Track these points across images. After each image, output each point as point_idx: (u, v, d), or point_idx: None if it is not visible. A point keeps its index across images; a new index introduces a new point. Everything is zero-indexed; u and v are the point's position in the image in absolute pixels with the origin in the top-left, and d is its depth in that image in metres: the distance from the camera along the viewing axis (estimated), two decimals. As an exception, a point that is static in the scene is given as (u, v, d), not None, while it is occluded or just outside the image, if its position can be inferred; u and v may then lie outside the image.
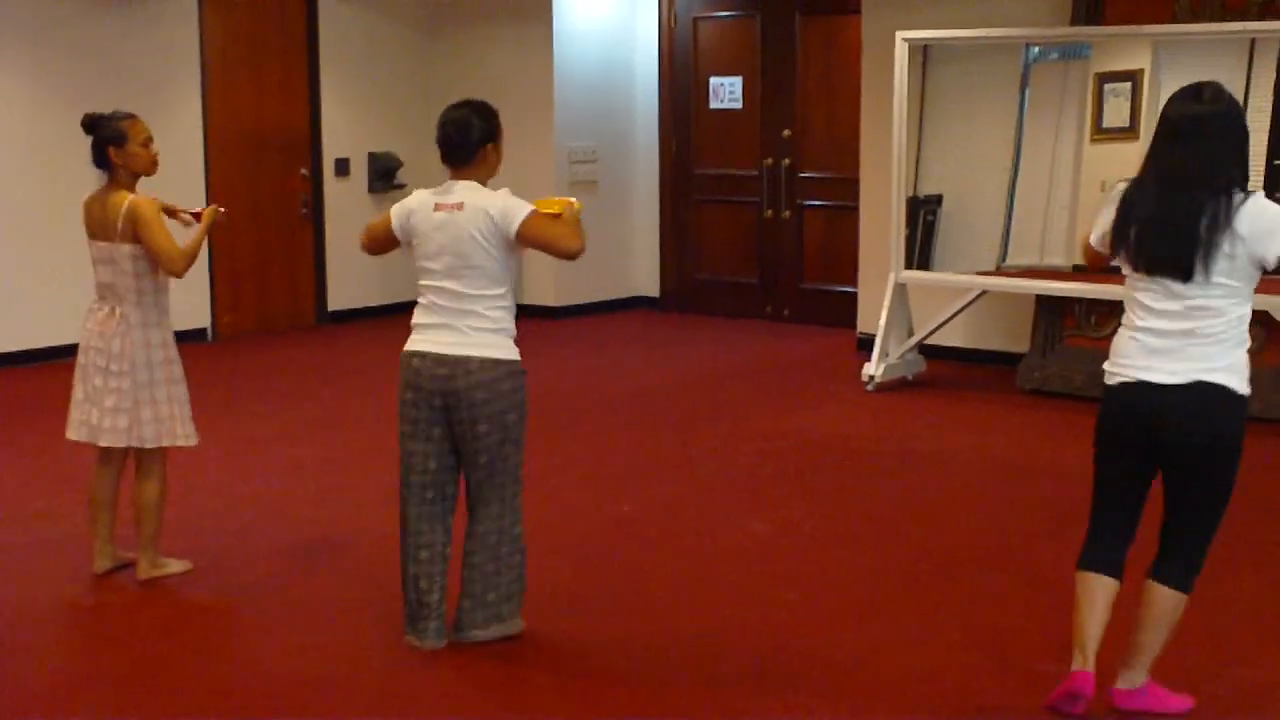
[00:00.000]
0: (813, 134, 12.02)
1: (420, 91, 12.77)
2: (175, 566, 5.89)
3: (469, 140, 5.03)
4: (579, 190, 12.45)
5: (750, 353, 11.04)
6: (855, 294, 11.05)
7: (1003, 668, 5.04)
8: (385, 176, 12.40)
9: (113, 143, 5.66)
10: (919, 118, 9.75)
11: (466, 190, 4.98)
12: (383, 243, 5.30)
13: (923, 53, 9.69)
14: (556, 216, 5.01)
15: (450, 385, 4.94)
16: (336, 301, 12.18)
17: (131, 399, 5.66)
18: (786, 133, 12.12)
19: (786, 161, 12.11)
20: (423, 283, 5.09)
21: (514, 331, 5.04)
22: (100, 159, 5.70)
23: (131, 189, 5.71)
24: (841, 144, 11.53)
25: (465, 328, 4.96)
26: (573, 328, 12.01)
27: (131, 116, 5.75)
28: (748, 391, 9.62)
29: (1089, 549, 4.63)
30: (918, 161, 9.79)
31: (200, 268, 10.74)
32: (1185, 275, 4.21)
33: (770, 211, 12.26)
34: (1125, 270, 4.44)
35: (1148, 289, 4.32)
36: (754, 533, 6.59)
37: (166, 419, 5.73)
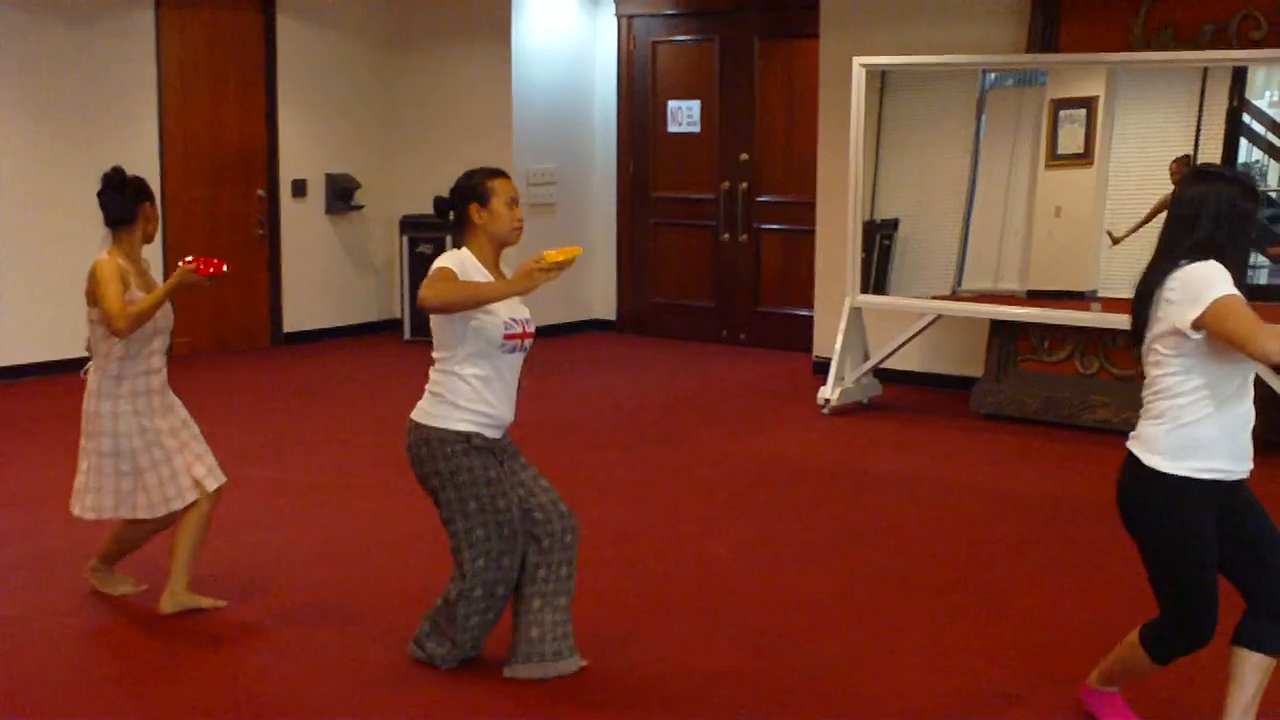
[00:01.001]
0: (770, 158, 12.06)
1: (379, 112, 12.77)
2: (205, 601, 5.77)
3: (450, 201, 5.14)
4: (537, 213, 12.45)
5: (706, 376, 11.05)
6: (811, 317, 11.09)
7: (963, 688, 5.06)
8: (343, 197, 12.37)
9: (149, 200, 5.62)
10: (876, 142, 9.80)
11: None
12: None
13: (880, 78, 9.75)
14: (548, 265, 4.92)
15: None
16: (292, 323, 12.12)
17: (108, 472, 5.55)
18: (744, 156, 12.16)
19: (744, 185, 12.14)
20: None
21: (459, 404, 4.95)
22: (129, 216, 5.56)
23: (135, 250, 5.62)
24: (799, 168, 11.58)
25: (426, 389, 5.07)
26: (530, 350, 11.97)
27: (147, 187, 5.67)
28: (704, 414, 9.63)
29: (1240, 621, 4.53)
30: (874, 186, 9.84)
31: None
32: (1137, 341, 4.31)
33: (727, 235, 12.29)
34: None
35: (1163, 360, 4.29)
36: (711, 554, 6.59)
37: (81, 489, 5.61)
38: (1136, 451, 4.30)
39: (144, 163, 10.90)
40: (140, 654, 5.41)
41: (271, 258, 11.98)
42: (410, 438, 4.98)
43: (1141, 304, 4.26)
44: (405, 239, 12.33)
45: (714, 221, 12.36)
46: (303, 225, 12.16)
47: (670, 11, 12.52)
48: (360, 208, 12.50)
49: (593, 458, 8.42)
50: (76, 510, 5.65)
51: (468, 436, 4.92)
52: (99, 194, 5.59)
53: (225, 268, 5.59)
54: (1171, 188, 8.65)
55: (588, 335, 12.85)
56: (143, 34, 11.07)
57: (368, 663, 5.26)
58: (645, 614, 5.82)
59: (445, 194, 5.20)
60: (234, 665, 5.27)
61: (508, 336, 4.99)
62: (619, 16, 12.74)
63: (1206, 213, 4.17)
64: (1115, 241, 8.96)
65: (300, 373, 11.04)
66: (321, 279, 12.23)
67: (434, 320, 4.99)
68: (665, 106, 12.61)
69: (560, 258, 4.83)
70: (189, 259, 5.56)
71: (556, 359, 11.66)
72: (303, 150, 12.18)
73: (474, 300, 4.86)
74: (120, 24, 10.92)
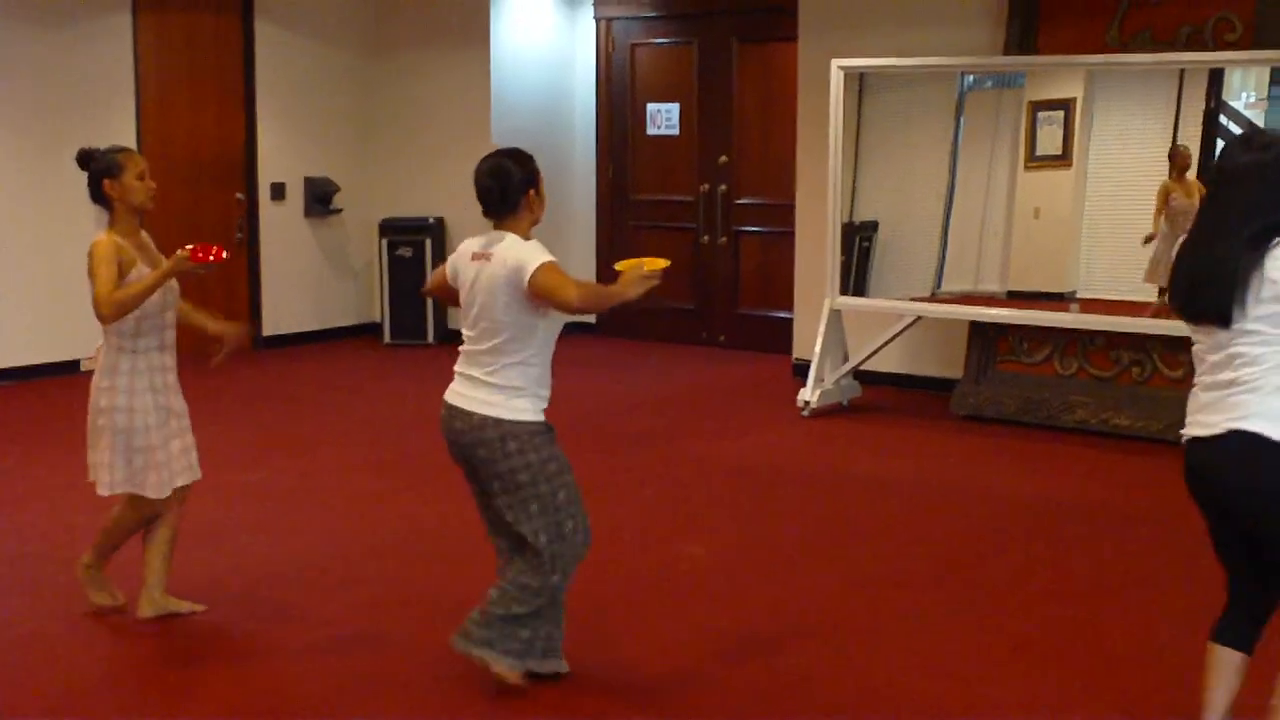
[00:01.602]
0: (749, 160, 12.07)
1: (358, 116, 12.75)
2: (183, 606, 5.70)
3: (506, 189, 4.94)
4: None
5: (686, 378, 11.06)
6: (791, 320, 11.10)
7: (944, 688, 5.06)
8: (322, 201, 12.35)
9: (107, 175, 5.44)
10: (855, 144, 9.82)
11: (500, 240, 4.88)
12: (443, 289, 5.13)
13: (859, 80, 9.76)
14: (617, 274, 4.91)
15: (460, 439, 4.86)
16: (272, 326, 12.10)
17: (121, 448, 5.47)
18: (723, 159, 12.17)
19: (723, 187, 12.16)
20: (462, 330, 4.99)
21: (536, 393, 4.84)
22: (96, 193, 5.47)
23: (131, 226, 5.51)
24: (778, 170, 11.59)
25: (482, 382, 4.83)
26: (509, 353, 11.98)
27: (126, 149, 5.59)
28: (683, 416, 9.63)
29: (1218, 619, 4.47)
30: (854, 188, 9.85)
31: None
32: (1224, 322, 4.07)
33: (707, 237, 12.30)
34: (1184, 323, 4.27)
35: (1199, 341, 4.19)
36: (691, 556, 6.59)
37: (95, 464, 5.51)
38: (1262, 430, 4.05)
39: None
40: (124, 657, 5.40)
41: (250, 261, 11.96)
42: (484, 434, 4.77)
43: (1219, 286, 4.04)
44: (384, 242, 12.32)
45: (693, 224, 12.36)
46: (282, 229, 12.14)
47: (649, 14, 12.53)
48: (339, 211, 12.48)
49: (572, 459, 8.37)
50: (99, 489, 5.51)
51: (548, 426, 4.88)
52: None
53: (225, 254, 5.49)
54: (1162, 179, 8.80)
55: (568, 337, 12.66)
56: (119, 37, 11.03)
57: (354, 664, 5.25)
58: (623, 616, 5.82)
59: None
60: (220, 671, 5.25)
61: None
62: (598, 19, 12.74)
63: (1275, 185, 4.05)
64: (1147, 241, 8.91)
65: (280, 376, 11.02)
66: (300, 282, 12.21)
67: (503, 319, 4.79)
68: (644, 109, 12.61)
69: (657, 267, 4.90)
70: (188, 246, 5.42)
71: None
72: (281, 154, 12.16)
73: (604, 304, 5.07)
74: (97, 27, 10.88)
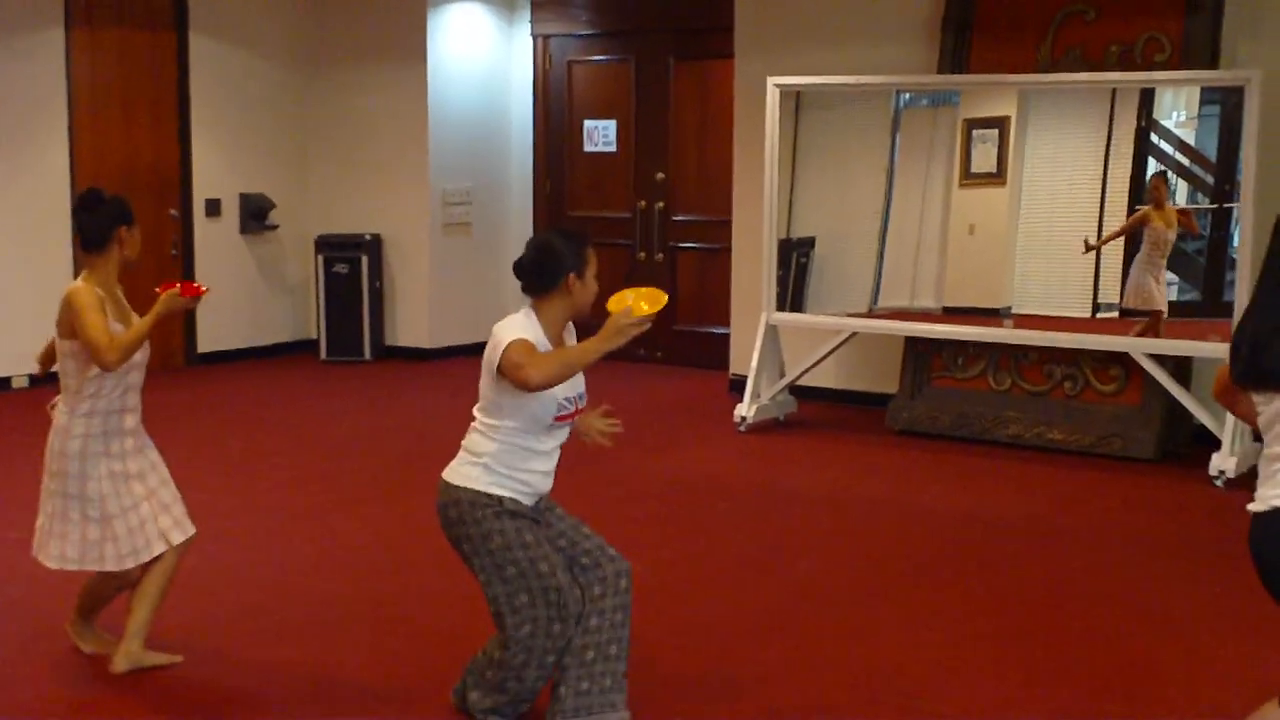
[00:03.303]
0: (686, 177, 12.11)
1: (294, 132, 12.70)
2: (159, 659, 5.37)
3: (543, 267, 4.70)
4: (453, 232, 12.44)
5: (623, 394, 11.03)
6: (728, 335, 11.13)
7: (880, 700, 5.08)
8: (257, 217, 12.28)
9: (125, 222, 5.18)
10: (792, 161, 9.87)
11: (507, 319, 4.70)
12: None
13: (795, 98, 9.81)
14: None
15: None
16: (207, 343, 12.02)
17: (75, 518, 5.15)
18: (660, 176, 12.20)
19: (660, 204, 12.18)
20: None
21: (493, 467, 4.60)
22: (101, 236, 5.14)
23: (113, 276, 5.23)
24: (714, 187, 11.63)
25: (461, 447, 4.73)
26: (445, 369, 11.97)
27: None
28: (620, 433, 9.61)
29: None
30: (790, 204, 9.90)
31: (49, 302, 10.36)
32: (1260, 386, 3.74)
33: (643, 254, 12.32)
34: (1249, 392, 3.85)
35: (1261, 410, 3.81)
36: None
37: (46, 532, 5.19)
38: None
39: (54, 183, 10.78)
40: (93, 689, 5.35)
41: (185, 278, 11.87)
42: (441, 498, 4.65)
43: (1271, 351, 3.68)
44: (320, 259, 12.27)
45: (630, 240, 12.38)
46: (217, 245, 12.06)
47: (586, 32, 12.56)
48: (275, 228, 12.42)
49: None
50: (41, 558, 5.20)
51: (500, 500, 4.59)
52: (73, 214, 5.27)
53: (205, 289, 5.38)
54: (1095, 196, 8.91)
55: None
56: (52, 53, 10.93)
57: (288, 678, 5.22)
58: (563, 632, 5.81)
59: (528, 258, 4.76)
60: (154, 681, 5.21)
61: (558, 418, 4.72)
62: (535, 36, 12.75)
63: None
64: (1089, 249, 9.01)
65: (216, 393, 10.94)
66: (236, 299, 12.13)
67: (485, 389, 4.71)
68: (581, 126, 12.63)
69: (649, 309, 4.55)
70: (170, 284, 5.25)
71: (474, 377, 11.59)
72: (216, 170, 12.09)
73: (574, 372, 4.61)
74: (28, 43, 10.78)
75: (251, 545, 6.99)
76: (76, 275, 5.29)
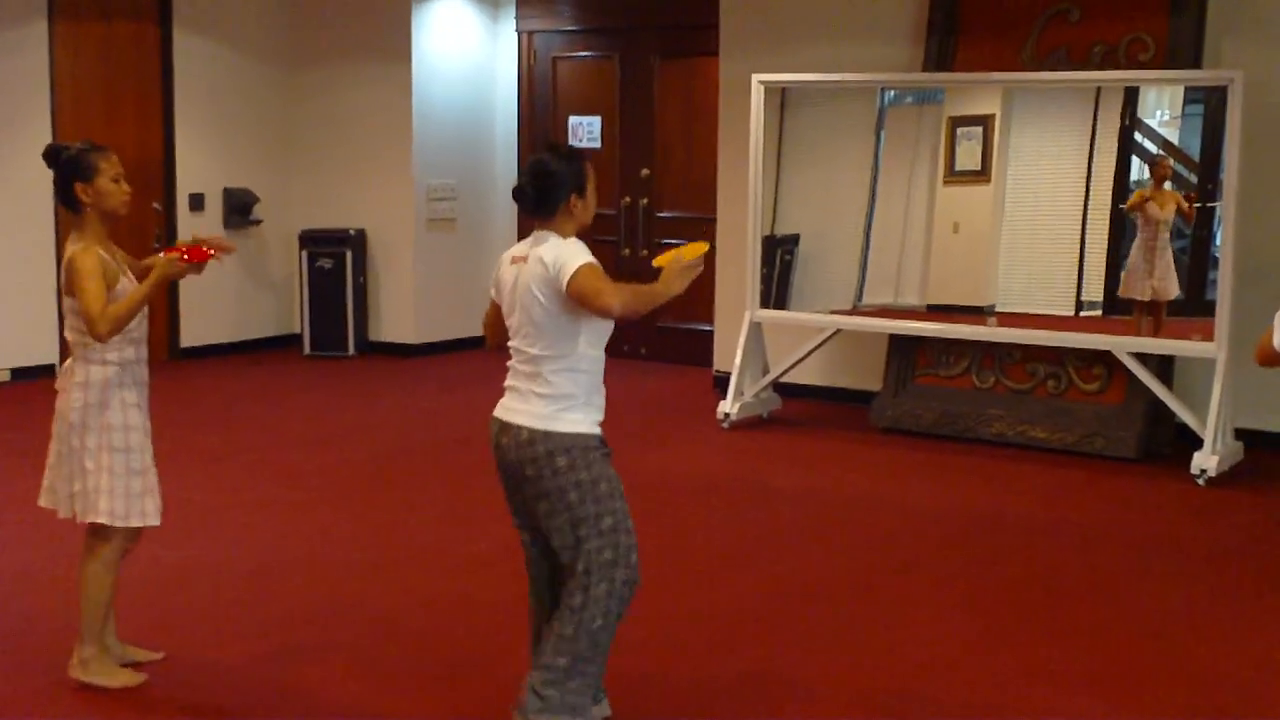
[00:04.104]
0: (671, 174, 12.11)
1: (278, 127, 12.68)
2: (113, 679, 5.14)
3: (543, 190, 4.51)
4: (437, 228, 12.43)
5: (607, 391, 11.04)
6: (712, 332, 11.13)
7: (865, 698, 5.09)
8: (241, 212, 12.26)
9: (80, 177, 5.02)
10: (777, 159, 9.87)
11: (542, 241, 4.49)
12: (495, 320, 4.72)
13: (780, 95, 9.82)
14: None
15: (506, 456, 4.54)
16: (189, 338, 12.00)
17: (67, 465, 5.02)
18: (645, 172, 12.20)
19: (644, 201, 12.18)
20: (509, 342, 4.62)
21: (589, 401, 4.51)
22: (66, 195, 5.05)
23: (100, 233, 5.08)
24: (699, 184, 11.63)
25: (528, 392, 4.48)
26: (431, 365, 11.96)
27: (101, 149, 5.13)
28: (604, 429, 9.61)
29: None
30: (775, 201, 9.91)
31: (33, 298, 10.53)
32: None
33: (628, 250, 12.31)
34: None
35: None
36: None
37: (92, 491, 4.98)
38: None
39: (38, 179, 10.66)
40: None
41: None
42: (535, 449, 4.43)
43: None
44: (304, 254, 12.25)
45: (615, 237, 12.37)
46: (200, 240, 12.02)
47: (571, 28, 12.54)
48: (259, 222, 12.40)
49: (493, 474, 8.38)
50: (91, 517, 5.00)
51: (603, 439, 4.54)
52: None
53: (212, 252, 5.06)
54: (1080, 194, 8.90)
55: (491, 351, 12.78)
56: (35, 47, 10.90)
57: (270, 675, 5.22)
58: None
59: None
60: (149, 678, 5.20)
61: None
62: (519, 33, 12.74)
63: None
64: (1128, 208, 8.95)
65: (199, 388, 10.92)
66: (219, 293, 12.09)
67: (542, 321, 4.45)
68: (566, 122, 12.61)
69: (696, 253, 4.53)
70: (173, 247, 5.08)
71: (457, 373, 11.62)
72: (200, 164, 12.07)
73: (649, 305, 4.51)
74: (12, 37, 10.75)
75: (233, 540, 6.98)
76: (60, 233, 5.18)
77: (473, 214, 12.79)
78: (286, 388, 11.04)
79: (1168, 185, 8.89)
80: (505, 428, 4.52)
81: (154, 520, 5.09)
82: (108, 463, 4.97)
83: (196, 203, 12.00)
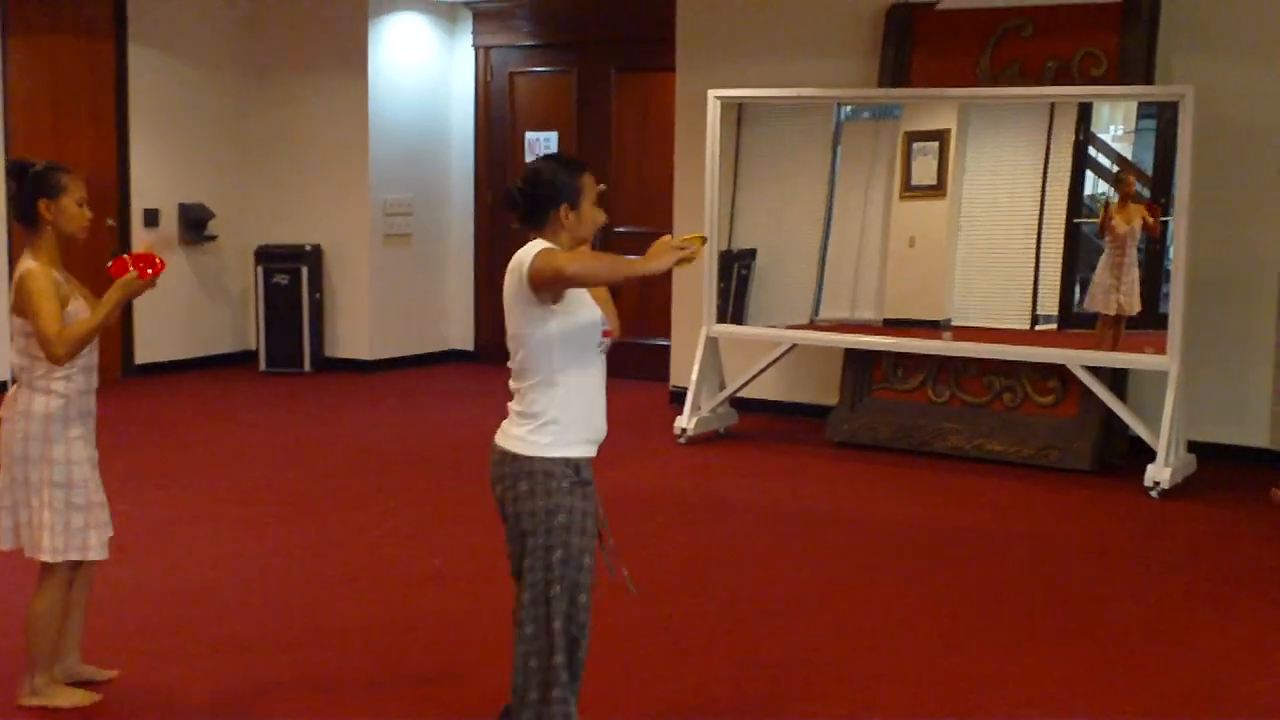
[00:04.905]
0: (627, 189, 12.11)
1: (234, 142, 12.63)
2: (64, 699, 5.05)
3: (532, 198, 4.40)
4: (394, 243, 12.40)
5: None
6: (668, 347, 11.14)
7: (819, 712, 5.09)
8: (196, 228, 12.21)
9: (45, 195, 4.94)
10: (734, 173, 9.89)
11: (523, 250, 4.32)
12: None
13: (737, 110, 9.84)
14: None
15: (490, 476, 4.41)
16: (144, 354, 11.93)
17: (11, 495, 4.90)
18: (601, 187, 12.06)
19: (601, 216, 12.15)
20: None
21: (562, 420, 4.29)
22: (26, 211, 4.95)
23: (55, 255, 5.00)
24: (656, 199, 11.64)
25: (512, 412, 4.35)
26: (386, 381, 11.93)
27: (68, 170, 5.07)
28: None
29: None
30: (732, 216, 9.93)
31: None
32: None
33: (586, 265, 12.29)
34: None
35: None
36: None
37: (36, 527, 4.86)
38: None
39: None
40: None
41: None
42: (502, 469, 4.31)
43: None
44: (260, 269, 12.20)
45: (572, 252, 12.35)
46: (155, 255, 11.96)
47: (527, 43, 12.55)
48: (214, 238, 12.35)
49: (447, 488, 8.38)
50: (36, 555, 4.88)
51: (577, 466, 4.32)
52: (5, 185, 4.93)
53: (159, 261, 5.00)
54: (1035, 208, 8.95)
55: (446, 365, 12.80)
56: (-11, 61, 10.85)
57: (225, 695, 5.19)
58: (495, 646, 5.79)
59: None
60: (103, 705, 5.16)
61: (604, 333, 4.40)
62: (476, 48, 12.74)
63: None
64: (1102, 226, 8.97)
65: (154, 405, 10.86)
66: (174, 310, 12.04)
67: (518, 332, 4.28)
68: (523, 138, 12.62)
69: (693, 237, 4.23)
70: (120, 262, 4.97)
71: (414, 389, 11.60)
72: (155, 179, 12.01)
73: (610, 274, 4.30)
74: (-35, 50, 10.70)
75: (188, 558, 6.94)
76: (12, 251, 5.10)
77: (429, 230, 12.77)
78: (242, 404, 10.99)
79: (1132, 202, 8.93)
80: (492, 446, 4.39)
81: (96, 555, 4.96)
82: (48, 498, 4.85)
83: (151, 218, 11.94)
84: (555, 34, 12.44)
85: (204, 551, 7.07)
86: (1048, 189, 9.12)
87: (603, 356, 4.44)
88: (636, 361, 11.97)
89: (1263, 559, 7.14)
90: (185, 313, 12.21)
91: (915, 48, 9.70)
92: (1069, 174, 9.07)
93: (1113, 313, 8.83)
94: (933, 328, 9.38)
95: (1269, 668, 5.62)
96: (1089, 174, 9.15)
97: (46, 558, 4.87)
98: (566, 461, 4.29)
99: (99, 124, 11.66)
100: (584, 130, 12.30)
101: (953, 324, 9.39)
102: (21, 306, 4.84)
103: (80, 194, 5.07)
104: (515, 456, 4.29)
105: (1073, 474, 8.68)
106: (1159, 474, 8.21)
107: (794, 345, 9.69)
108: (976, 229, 9.42)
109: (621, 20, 11.99)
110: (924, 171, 9.53)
